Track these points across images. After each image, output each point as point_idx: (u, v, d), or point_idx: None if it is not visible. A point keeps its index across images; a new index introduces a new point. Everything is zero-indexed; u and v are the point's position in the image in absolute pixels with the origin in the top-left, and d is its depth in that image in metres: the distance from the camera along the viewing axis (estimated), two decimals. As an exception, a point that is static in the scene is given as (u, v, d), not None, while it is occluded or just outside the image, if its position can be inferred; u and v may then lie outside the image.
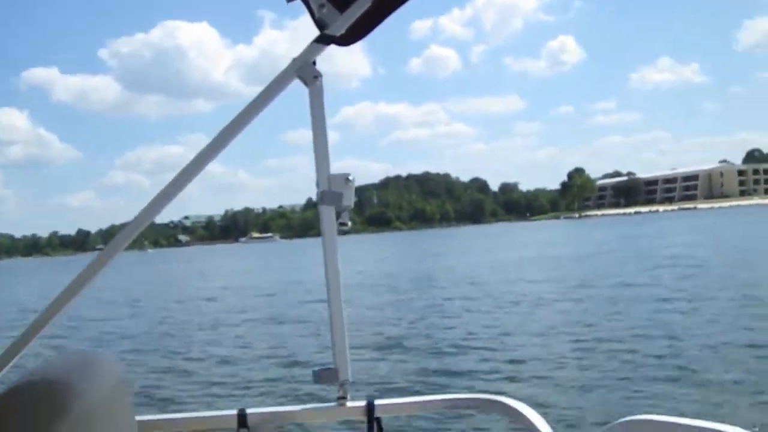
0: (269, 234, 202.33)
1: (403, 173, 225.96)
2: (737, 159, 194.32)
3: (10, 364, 2.10)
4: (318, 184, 2.09)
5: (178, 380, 13.52)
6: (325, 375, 2.11)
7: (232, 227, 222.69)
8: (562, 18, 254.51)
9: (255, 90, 2.06)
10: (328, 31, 2.02)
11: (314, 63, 2.06)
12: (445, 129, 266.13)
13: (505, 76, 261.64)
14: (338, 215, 2.09)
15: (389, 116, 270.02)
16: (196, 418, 2.28)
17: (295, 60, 2.04)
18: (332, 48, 2.05)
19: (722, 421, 1.28)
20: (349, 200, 2.07)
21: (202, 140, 2.10)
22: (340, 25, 1.99)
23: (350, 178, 2.07)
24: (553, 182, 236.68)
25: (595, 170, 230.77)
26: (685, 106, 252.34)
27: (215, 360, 15.47)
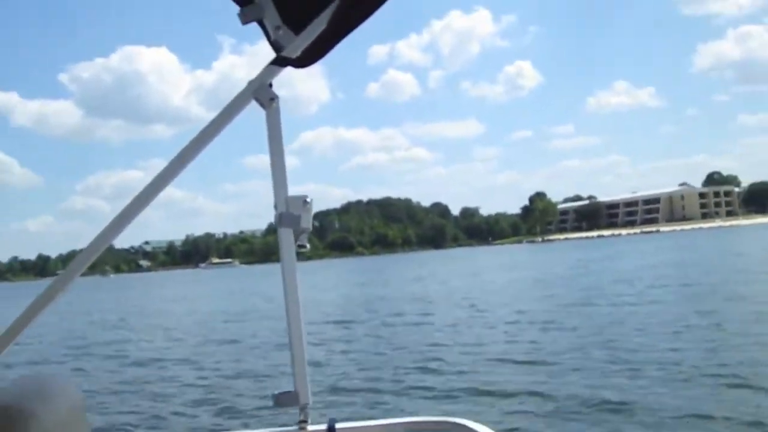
0: (229, 260, 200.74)
1: (364, 198, 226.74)
2: (696, 181, 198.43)
3: None
4: (276, 206, 2.09)
5: (135, 403, 13.45)
6: (285, 398, 2.11)
7: (193, 252, 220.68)
8: (519, 43, 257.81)
9: (214, 115, 2.08)
10: (284, 53, 2.04)
11: (270, 85, 2.06)
12: (405, 154, 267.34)
13: (463, 100, 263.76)
14: (297, 237, 2.09)
15: (348, 141, 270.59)
16: None
17: (251, 82, 2.05)
18: (292, 73, 2.06)
19: None
20: (308, 222, 2.07)
21: (162, 165, 2.12)
22: (296, 46, 2.00)
23: (308, 200, 2.06)
24: (513, 206, 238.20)
25: (555, 194, 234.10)
26: (642, 129, 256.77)
27: (174, 382, 15.35)
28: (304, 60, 2.03)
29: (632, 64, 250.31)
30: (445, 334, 19.84)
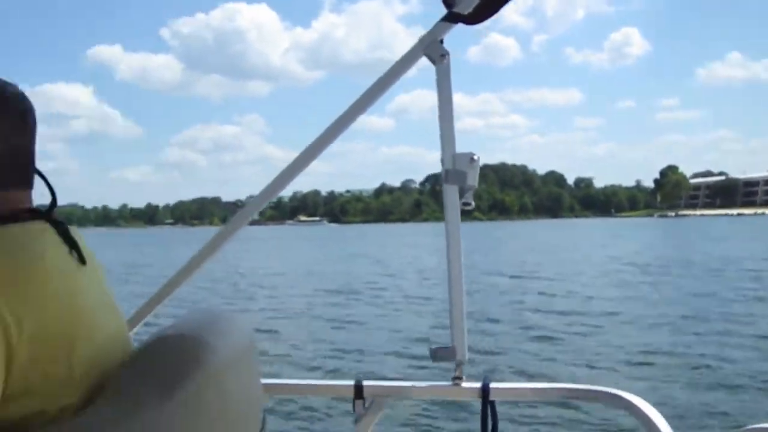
0: (317, 218, 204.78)
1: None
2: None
3: (142, 322, 2.30)
4: (443, 162, 2.11)
5: (297, 346, 14.27)
6: (442, 353, 2.17)
7: (301, 208, 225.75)
8: (627, 8, 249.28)
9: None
10: (456, 9, 2.05)
11: (441, 41, 2.08)
12: (501, 120, 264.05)
13: (565, 67, 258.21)
14: (462, 194, 2.11)
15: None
16: (315, 385, 2.41)
17: (422, 38, 2.08)
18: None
19: None
20: (474, 180, 2.09)
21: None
22: (469, 2, 2.01)
23: (475, 157, 2.09)
24: (616, 178, 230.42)
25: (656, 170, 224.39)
26: (755, 105, 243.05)
27: (334, 330, 16.29)
28: (476, 16, 2.06)
29: (750, 36, 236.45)
30: (605, 303, 19.77)
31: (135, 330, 2.17)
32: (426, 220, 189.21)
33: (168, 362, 1.30)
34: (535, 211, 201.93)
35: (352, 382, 2.24)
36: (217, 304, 19.99)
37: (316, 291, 25.37)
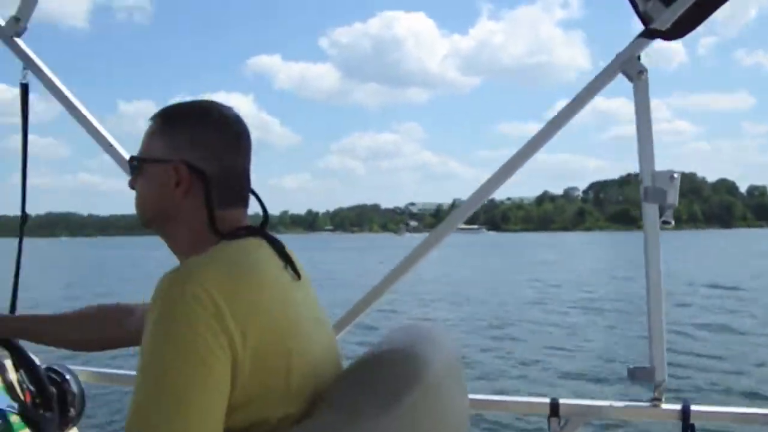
0: (475, 226, 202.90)
1: (619, 171, 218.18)
2: None
3: (345, 330, 2.47)
4: (641, 180, 2.12)
5: (493, 360, 13.95)
6: (641, 374, 2.15)
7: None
8: None
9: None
10: (653, 26, 2.07)
11: (639, 58, 2.12)
12: (666, 126, 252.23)
13: (735, 70, 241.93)
14: (662, 212, 2.10)
15: (605, 111, 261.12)
16: (511, 402, 2.45)
17: (619, 55, 2.13)
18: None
19: None
20: (674, 198, 2.08)
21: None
22: (666, 18, 2.03)
23: (675, 175, 2.08)
24: None
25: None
26: None
27: (528, 345, 15.81)
28: (675, 32, 2.07)
29: None
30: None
31: (338, 337, 2.16)
32: (589, 229, 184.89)
33: (386, 376, 1.32)
34: (705, 220, 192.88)
35: (547, 400, 2.24)
36: (412, 315, 19.92)
37: (497, 302, 24.59)
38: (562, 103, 2.28)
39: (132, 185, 1.47)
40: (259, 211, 1.49)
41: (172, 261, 1.37)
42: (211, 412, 1.15)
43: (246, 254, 1.32)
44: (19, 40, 2.62)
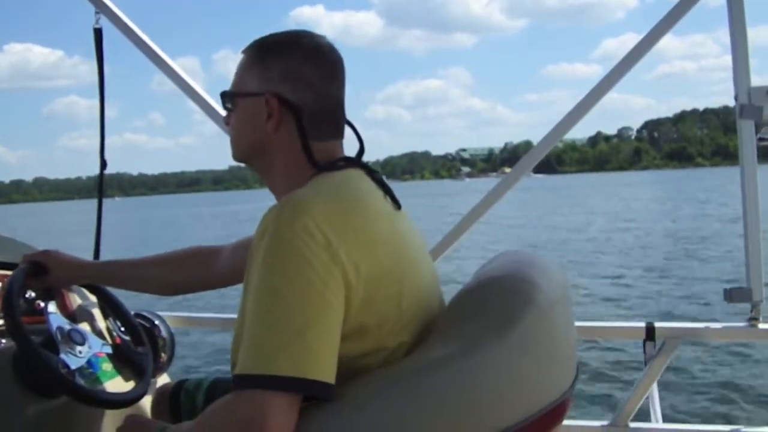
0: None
1: (667, 110, 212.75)
2: None
3: (437, 260, 2.47)
4: (737, 98, 2.07)
5: (586, 288, 13.99)
6: (738, 294, 2.13)
7: (513, 159, 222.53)
8: None
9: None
10: None
11: None
12: (714, 62, 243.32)
13: None
14: (758, 129, 2.08)
15: (653, 49, 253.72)
16: (607, 327, 2.52)
17: None
18: None
19: None
20: None
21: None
22: None
23: None
24: None
25: None
26: None
27: (623, 271, 15.97)
28: None
29: None
30: None
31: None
32: (646, 167, 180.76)
33: (496, 301, 1.30)
34: (764, 156, 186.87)
35: (643, 324, 2.24)
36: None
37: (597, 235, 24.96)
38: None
39: (226, 121, 1.45)
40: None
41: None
42: (331, 345, 1.15)
43: (350, 185, 1.31)
44: None
